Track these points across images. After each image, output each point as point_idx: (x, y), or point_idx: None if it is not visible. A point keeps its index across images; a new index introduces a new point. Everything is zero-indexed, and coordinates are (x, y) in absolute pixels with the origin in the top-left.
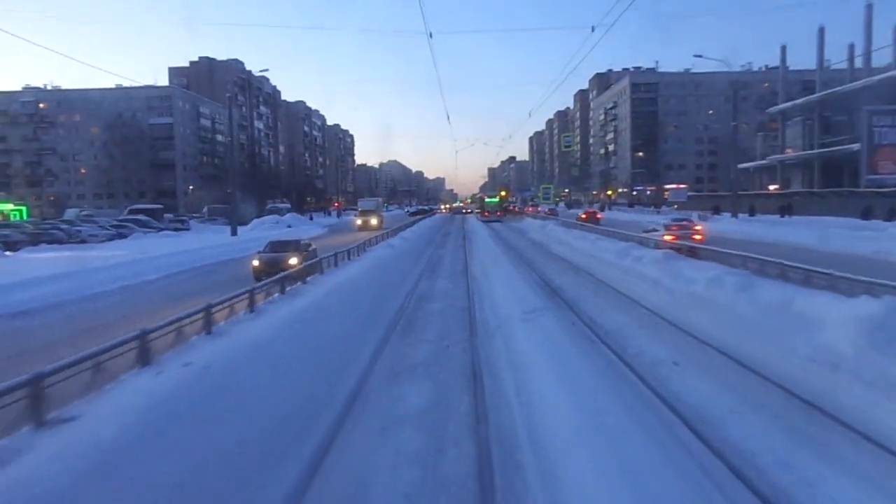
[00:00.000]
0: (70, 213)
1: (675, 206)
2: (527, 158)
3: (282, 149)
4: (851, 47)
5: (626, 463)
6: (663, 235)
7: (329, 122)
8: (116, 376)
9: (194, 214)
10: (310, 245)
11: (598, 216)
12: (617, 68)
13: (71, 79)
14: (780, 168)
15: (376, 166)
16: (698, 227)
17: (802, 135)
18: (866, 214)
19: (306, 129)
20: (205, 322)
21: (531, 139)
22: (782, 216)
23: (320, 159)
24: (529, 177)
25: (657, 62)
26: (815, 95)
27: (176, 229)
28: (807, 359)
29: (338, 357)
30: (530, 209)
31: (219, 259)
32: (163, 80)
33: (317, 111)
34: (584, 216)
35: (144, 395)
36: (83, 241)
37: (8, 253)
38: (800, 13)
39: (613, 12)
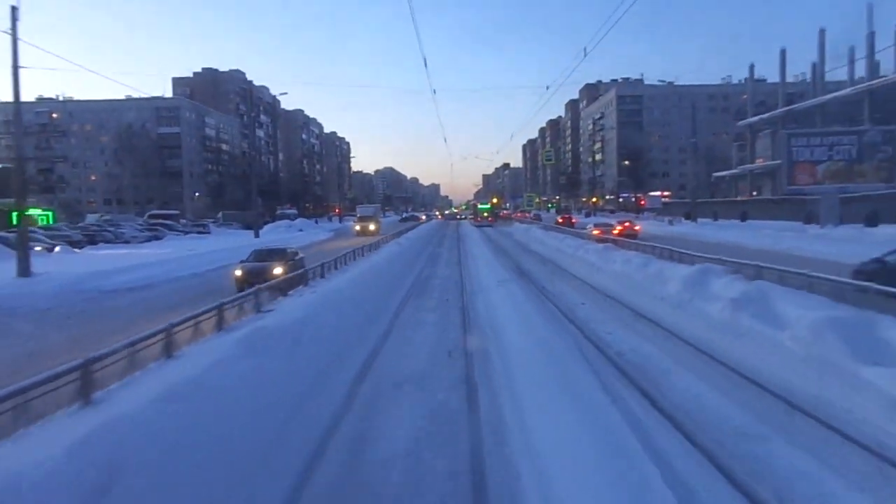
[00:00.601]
0: (91, 219)
1: (655, 213)
2: (521, 165)
3: (281, 156)
4: (814, 66)
5: (537, 335)
6: (591, 230)
7: (326, 130)
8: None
9: (206, 220)
10: (297, 254)
11: (573, 220)
12: (606, 79)
13: (78, 88)
14: (751, 177)
15: (372, 173)
16: (637, 227)
17: (771, 146)
18: (808, 219)
19: (304, 136)
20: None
21: (524, 147)
22: (742, 220)
23: (318, 166)
24: (523, 184)
25: (642, 74)
26: (777, 111)
27: (199, 233)
28: (656, 298)
29: (383, 295)
30: (518, 215)
31: (231, 262)
32: (167, 90)
33: (314, 119)
34: (560, 220)
35: (301, 303)
36: (127, 242)
37: (76, 250)
38: (796, 21)
39: (613, 17)
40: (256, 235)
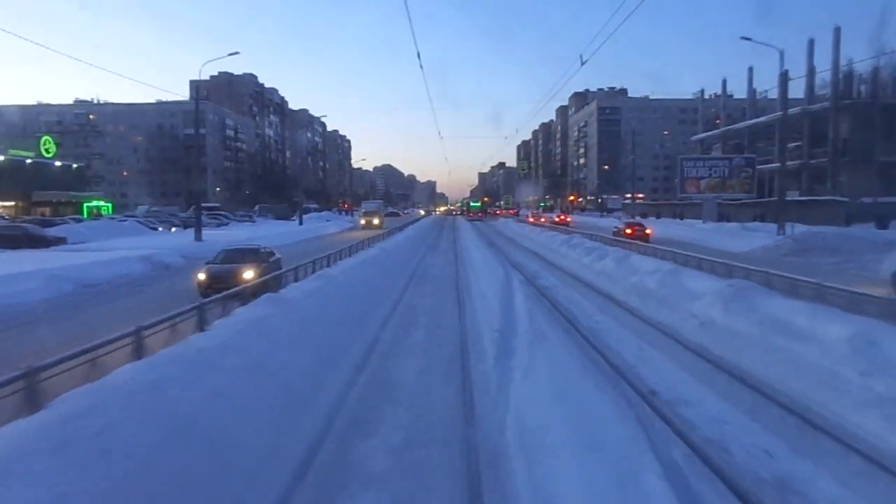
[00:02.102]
0: (141, 210)
1: (618, 212)
2: (514, 165)
3: (288, 154)
4: (753, 92)
5: (484, 252)
6: (529, 218)
7: (327, 128)
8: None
9: (240, 212)
10: (272, 254)
11: (542, 217)
12: (597, 86)
13: (106, 90)
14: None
15: (370, 170)
16: (569, 220)
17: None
18: (722, 218)
19: (309, 135)
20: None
21: (518, 147)
22: (681, 219)
23: (321, 163)
24: (516, 182)
25: (626, 89)
26: (715, 131)
27: (246, 222)
28: (540, 244)
29: (411, 253)
30: (501, 212)
31: (307, 237)
32: (183, 91)
33: (318, 118)
34: (531, 217)
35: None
36: (205, 226)
37: (173, 230)
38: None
39: (609, 26)
40: (301, 223)
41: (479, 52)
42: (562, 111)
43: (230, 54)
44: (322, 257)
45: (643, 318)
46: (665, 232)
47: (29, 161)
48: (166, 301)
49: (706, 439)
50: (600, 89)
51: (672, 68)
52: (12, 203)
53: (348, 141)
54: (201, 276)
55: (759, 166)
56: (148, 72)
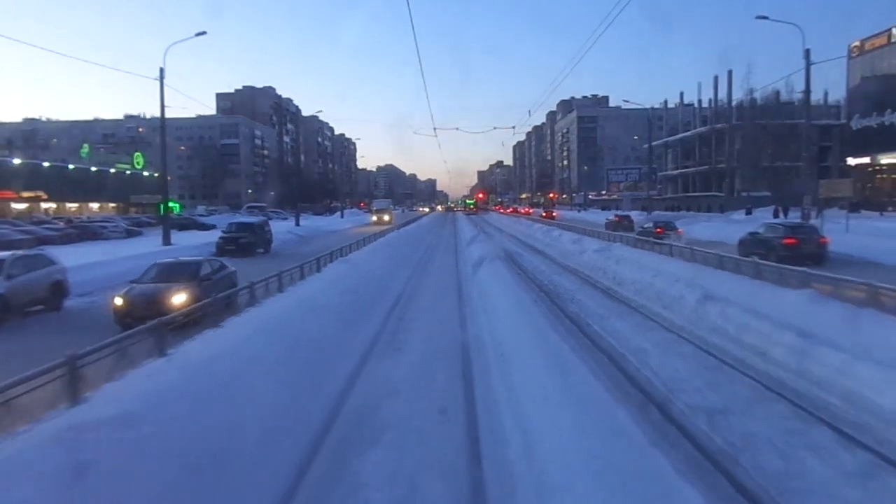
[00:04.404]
0: (200, 209)
1: (579, 207)
2: (511, 164)
3: (302, 157)
4: (698, 105)
5: (472, 232)
6: (500, 209)
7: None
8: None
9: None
10: (222, 268)
11: (521, 210)
12: (586, 93)
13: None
14: (664, 180)
15: (374, 170)
16: (555, 214)
17: (674, 160)
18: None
19: (319, 140)
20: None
21: (514, 147)
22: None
23: (330, 165)
24: (513, 180)
25: (607, 97)
26: (659, 141)
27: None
28: (513, 227)
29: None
30: (497, 208)
31: (356, 224)
32: (210, 103)
33: (327, 123)
34: (509, 210)
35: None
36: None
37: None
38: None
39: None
40: (342, 216)
41: (479, 51)
42: (550, 116)
43: (197, 34)
44: (386, 229)
45: (548, 257)
46: (576, 216)
47: (128, 172)
48: (334, 241)
49: (528, 268)
50: (584, 97)
51: (657, 74)
52: (114, 204)
53: (353, 144)
54: (118, 302)
55: (684, 170)
56: (177, 85)
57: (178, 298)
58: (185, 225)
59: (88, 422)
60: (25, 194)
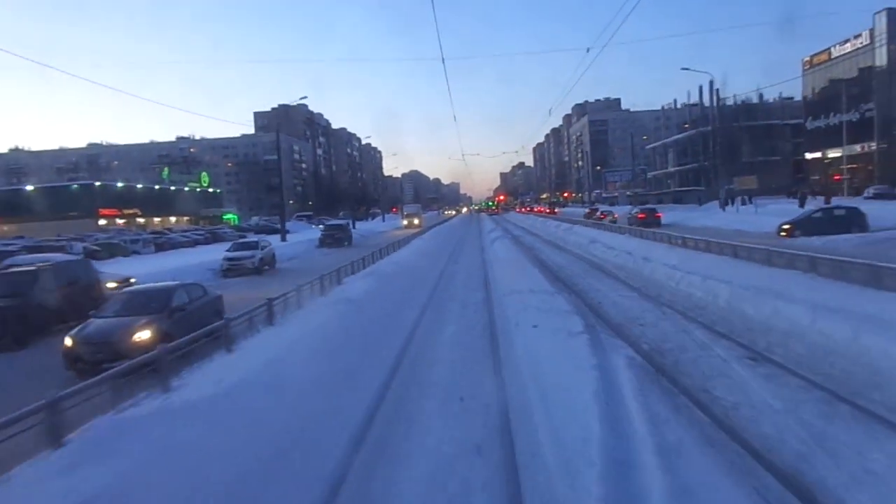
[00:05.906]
0: (254, 220)
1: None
2: (532, 165)
3: (333, 168)
4: (690, 108)
5: (491, 227)
6: (519, 209)
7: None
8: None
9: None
10: (203, 294)
11: (535, 209)
12: (599, 96)
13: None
14: (665, 178)
15: (399, 176)
16: (557, 210)
17: (674, 159)
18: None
19: (348, 150)
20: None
21: (534, 149)
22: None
23: (358, 174)
24: (535, 181)
25: (619, 99)
26: (658, 143)
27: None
28: (529, 224)
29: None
30: (521, 209)
31: (392, 229)
32: (248, 120)
33: (354, 134)
34: (526, 209)
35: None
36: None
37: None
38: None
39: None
40: (383, 220)
41: (500, 56)
42: (567, 119)
43: (301, 98)
44: (431, 226)
45: (536, 235)
46: (577, 212)
47: (198, 189)
48: (388, 238)
49: (520, 238)
50: (597, 100)
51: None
52: (187, 217)
53: (380, 152)
54: (67, 343)
55: (679, 167)
56: (214, 106)
57: (141, 335)
58: (264, 230)
59: None
60: (126, 211)
